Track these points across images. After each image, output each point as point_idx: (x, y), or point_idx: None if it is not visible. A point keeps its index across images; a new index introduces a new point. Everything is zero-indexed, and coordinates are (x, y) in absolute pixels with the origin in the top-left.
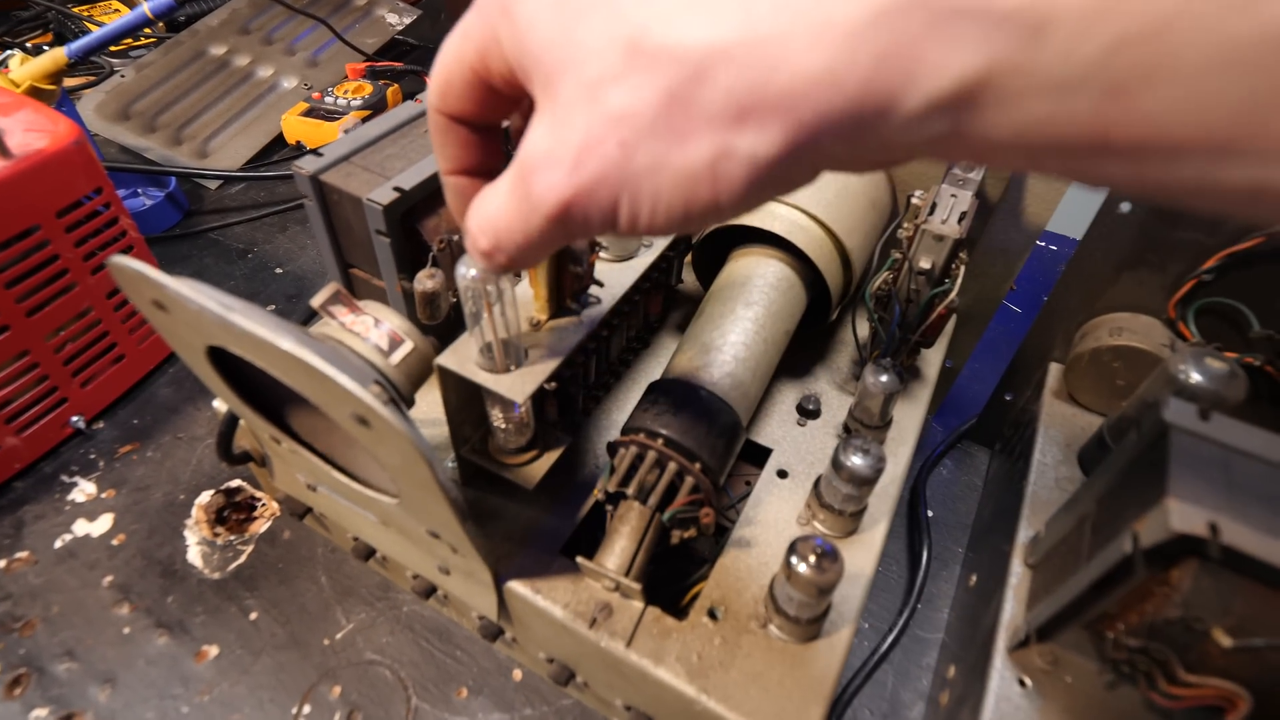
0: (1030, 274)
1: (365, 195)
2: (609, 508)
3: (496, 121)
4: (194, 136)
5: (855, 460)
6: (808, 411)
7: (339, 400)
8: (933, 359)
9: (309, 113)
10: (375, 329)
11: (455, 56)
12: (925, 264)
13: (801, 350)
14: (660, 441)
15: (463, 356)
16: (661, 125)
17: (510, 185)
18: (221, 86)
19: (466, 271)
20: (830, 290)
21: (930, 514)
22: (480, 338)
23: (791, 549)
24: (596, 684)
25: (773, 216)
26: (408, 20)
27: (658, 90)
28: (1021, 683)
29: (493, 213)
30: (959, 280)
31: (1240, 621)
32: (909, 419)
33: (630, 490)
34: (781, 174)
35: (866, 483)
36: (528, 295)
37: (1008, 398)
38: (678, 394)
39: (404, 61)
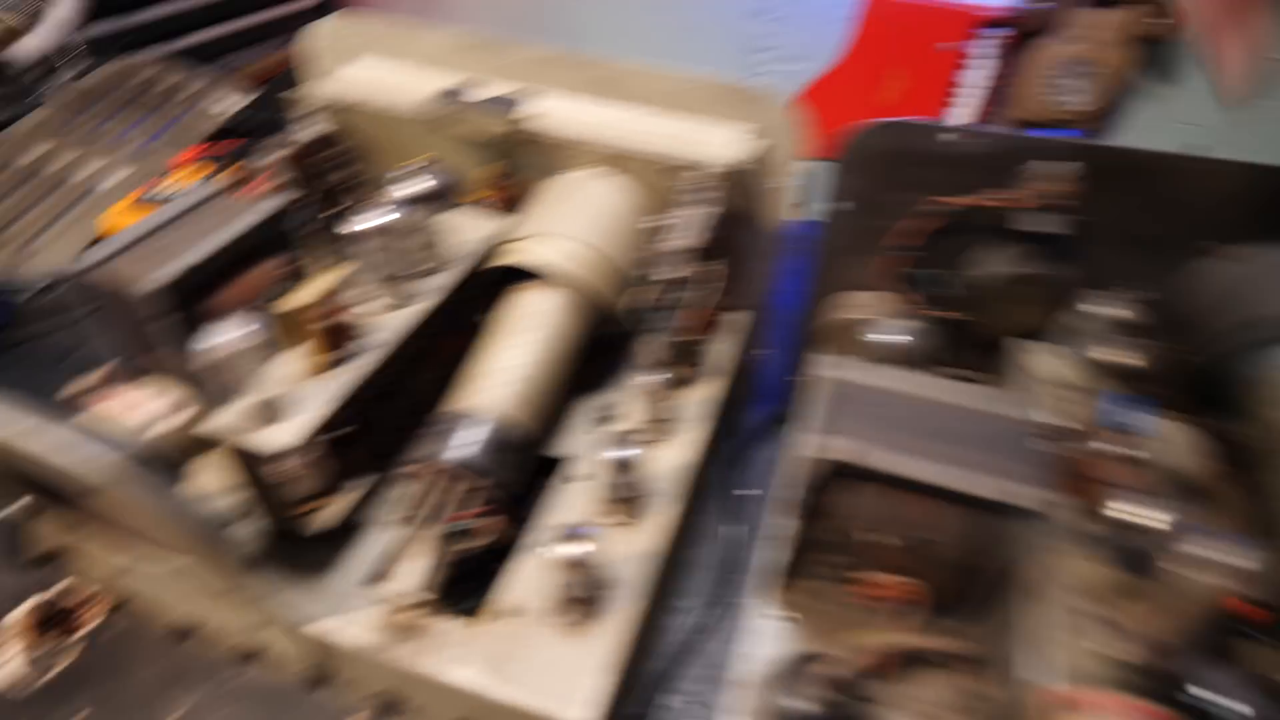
0: None
1: (137, 281)
2: (399, 533)
3: None
4: (5, 245)
5: (609, 454)
6: (605, 419)
7: (65, 476)
8: (728, 354)
9: (142, 201)
10: (144, 407)
11: None
12: (670, 275)
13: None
14: (437, 466)
15: (227, 418)
16: None
17: None
18: (36, 192)
19: (220, 339)
20: (608, 308)
21: (756, 492)
22: (246, 398)
23: (557, 539)
24: (421, 706)
25: (544, 248)
26: (238, 106)
27: None
28: (774, 615)
29: None
30: (708, 284)
31: (905, 528)
32: (695, 412)
33: (412, 515)
34: None
35: (622, 471)
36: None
37: (791, 378)
38: (455, 421)
39: (249, 137)
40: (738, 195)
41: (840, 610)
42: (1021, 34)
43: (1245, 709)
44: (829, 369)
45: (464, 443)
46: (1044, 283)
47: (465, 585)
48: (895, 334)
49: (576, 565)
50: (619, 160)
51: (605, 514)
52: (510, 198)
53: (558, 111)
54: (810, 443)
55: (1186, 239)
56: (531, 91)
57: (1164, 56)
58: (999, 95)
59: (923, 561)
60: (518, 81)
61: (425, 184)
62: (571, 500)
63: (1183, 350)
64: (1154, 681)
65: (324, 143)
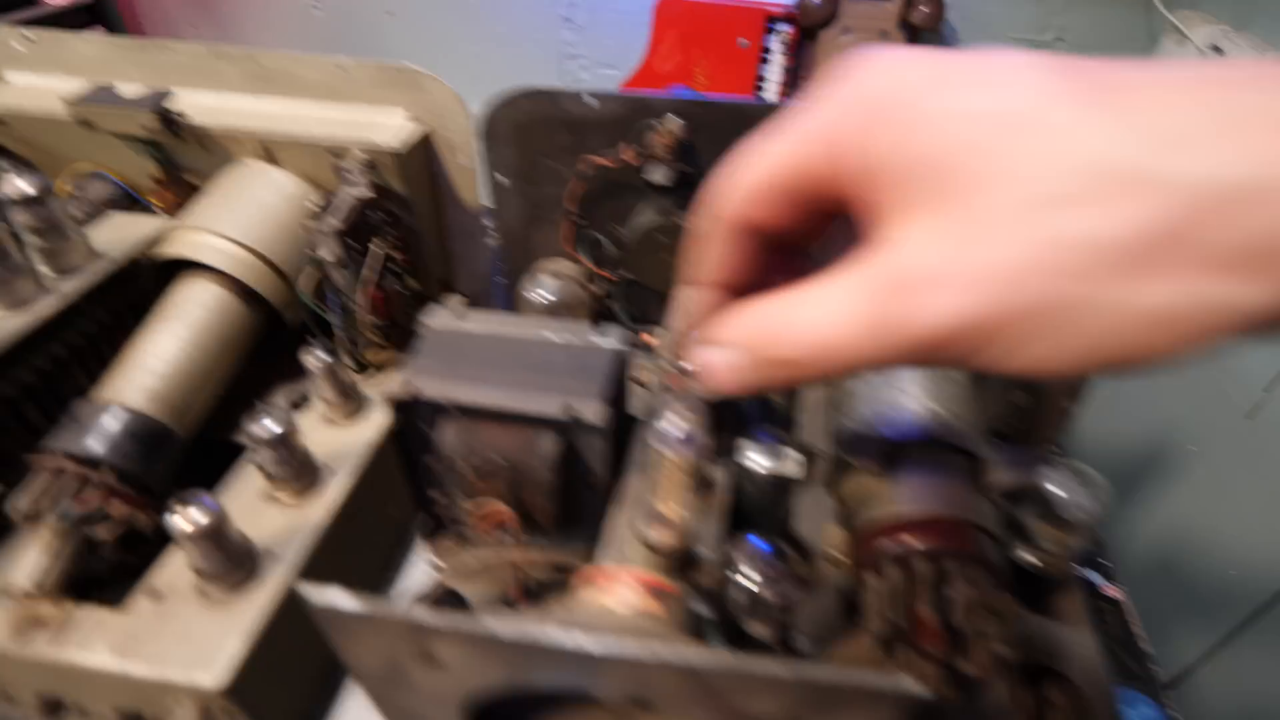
0: None
1: None
2: (24, 527)
3: (794, 236)
4: None
5: (261, 430)
6: (296, 405)
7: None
8: None
9: None
10: None
11: (780, 160)
12: (327, 255)
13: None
14: (60, 458)
15: None
16: (1130, 261)
17: (857, 298)
18: None
19: None
20: (269, 300)
21: None
22: None
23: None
24: (77, 701)
25: (190, 239)
26: None
27: (1144, 222)
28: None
29: (809, 326)
30: (379, 266)
31: (476, 448)
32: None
33: (32, 506)
34: (1250, 329)
35: (265, 445)
36: None
37: None
38: (83, 411)
39: None
40: (407, 176)
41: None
42: (803, 28)
43: (756, 577)
44: (431, 318)
45: (90, 433)
46: (677, 232)
47: (122, 577)
48: (542, 292)
49: (202, 539)
50: (274, 149)
51: (272, 492)
52: (178, 199)
53: (210, 106)
54: (391, 384)
55: None
56: (183, 88)
57: (931, 43)
58: (795, 87)
59: (520, 485)
60: (172, 81)
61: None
62: (236, 482)
63: None
64: (683, 561)
65: None
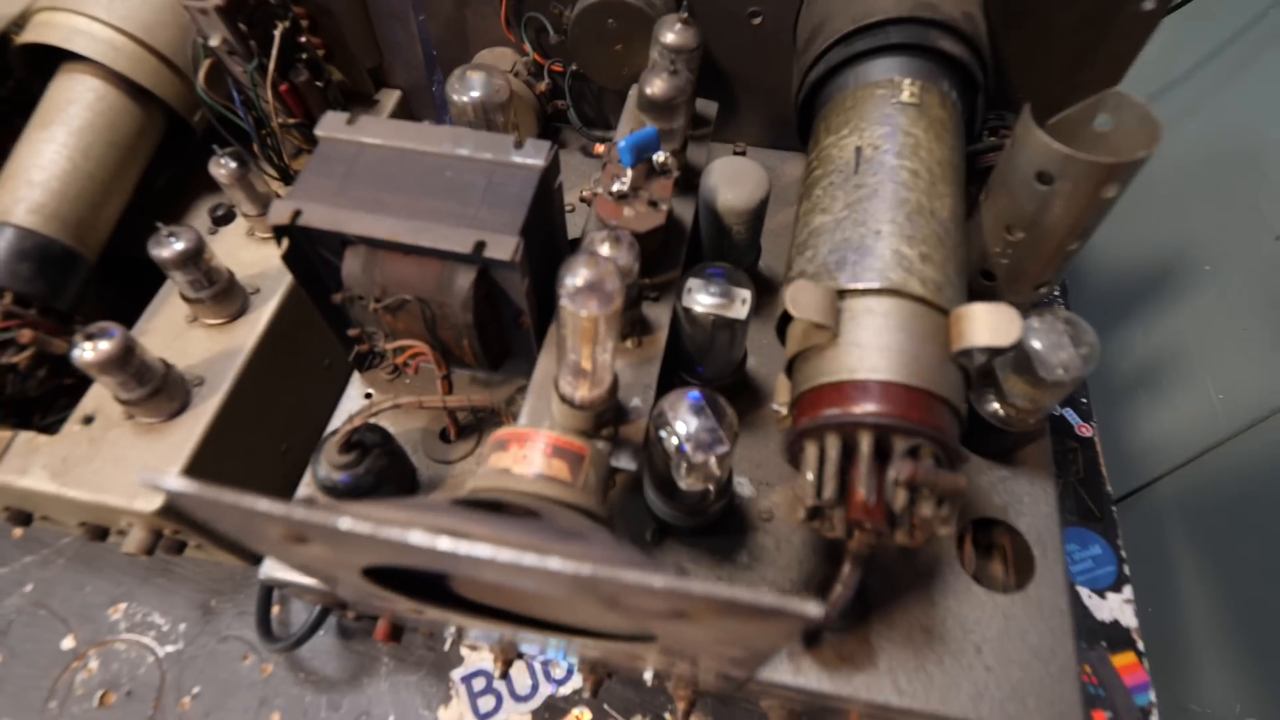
0: None
1: None
2: None
3: None
4: None
5: (168, 249)
6: (218, 219)
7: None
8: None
9: None
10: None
11: None
12: (215, 41)
13: None
14: None
15: None
16: None
17: None
18: None
19: None
20: (164, 98)
21: None
22: None
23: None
24: (44, 514)
25: (65, 33)
26: None
27: None
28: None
29: None
30: (281, 52)
31: (383, 285)
32: None
33: None
34: None
35: (175, 267)
36: None
37: None
38: None
39: None
40: None
41: (407, 388)
42: None
43: (683, 431)
44: (322, 127)
45: None
46: (626, 11)
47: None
48: (471, 93)
49: (111, 367)
50: None
51: (196, 316)
52: None
53: None
54: (276, 209)
55: None
56: None
57: None
58: None
59: (436, 322)
60: None
61: None
62: (159, 307)
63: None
64: (607, 415)
65: None
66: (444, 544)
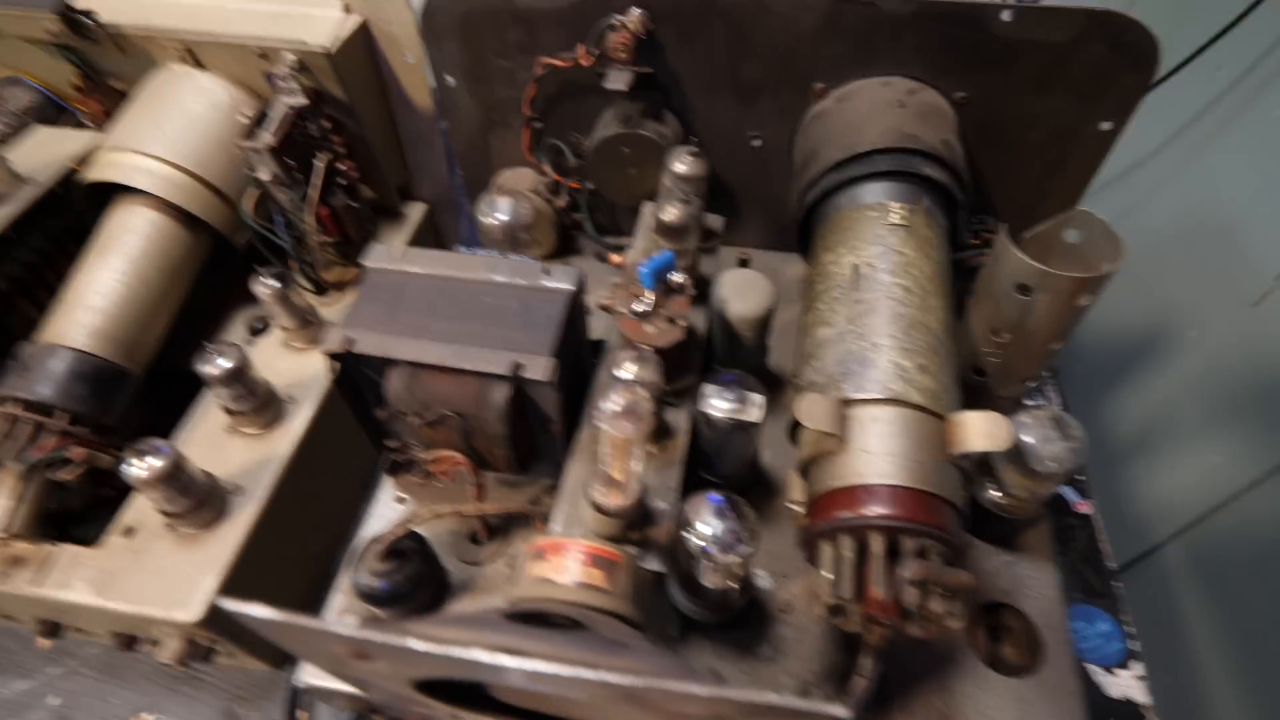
0: None
1: None
2: None
3: None
4: None
5: (211, 367)
6: (256, 330)
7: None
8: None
9: None
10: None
11: None
12: (264, 175)
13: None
14: (11, 405)
15: None
16: None
17: None
18: None
19: None
20: (211, 223)
21: None
22: None
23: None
24: (74, 623)
25: (125, 169)
26: None
27: None
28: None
29: None
30: (323, 180)
31: (425, 401)
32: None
33: None
34: None
35: (220, 383)
36: None
37: None
38: (29, 353)
39: None
40: (346, 77)
41: (439, 492)
42: None
43: (707, 533)
44: (370, 259)
45: (36, 378)
46: (640, 143)
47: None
48: (497, 215)
49: (161, 484)
50: (198, 51)
51: (235, 426)
52: (105, 106)
53: (123, 2)
54: (331, 337)
55: (794, 81)
56: None
57: None
58: None
59: (472, 434)
60: None
61: None
62: (198, 419)
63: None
64: (635, 520)
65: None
66: (510, 663)
